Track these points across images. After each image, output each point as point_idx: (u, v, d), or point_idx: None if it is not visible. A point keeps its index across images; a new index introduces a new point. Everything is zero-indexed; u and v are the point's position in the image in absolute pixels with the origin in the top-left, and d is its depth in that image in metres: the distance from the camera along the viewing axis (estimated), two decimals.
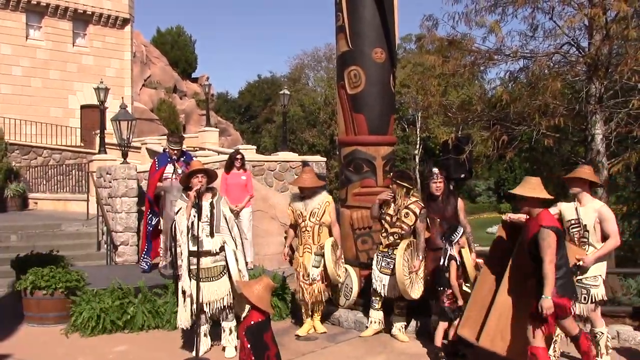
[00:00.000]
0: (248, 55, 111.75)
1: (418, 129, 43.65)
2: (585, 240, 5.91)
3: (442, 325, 6.47)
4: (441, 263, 6.52)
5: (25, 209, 17.44)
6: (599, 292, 5.87)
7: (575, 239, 5.96)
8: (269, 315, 4.98)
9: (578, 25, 8.98)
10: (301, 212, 7.34)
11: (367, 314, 7.48)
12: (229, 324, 6.58)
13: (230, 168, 10.36)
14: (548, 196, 5.36)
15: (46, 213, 16.11)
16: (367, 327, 7.38)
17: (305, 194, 7.39)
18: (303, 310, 7.51)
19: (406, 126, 45.95)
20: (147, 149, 20.36)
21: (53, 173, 19.51)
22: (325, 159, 18.10)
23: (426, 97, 10.41)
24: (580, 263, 5.78)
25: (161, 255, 9.16)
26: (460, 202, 7.30)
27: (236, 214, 9.94)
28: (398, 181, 7.15)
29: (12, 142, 21.87)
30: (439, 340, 6.40)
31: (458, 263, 6.53)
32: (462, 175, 10.68)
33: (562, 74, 9.22)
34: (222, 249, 6.45)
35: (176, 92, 44.71)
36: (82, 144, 26.40)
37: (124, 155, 12.71)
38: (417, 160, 45.54)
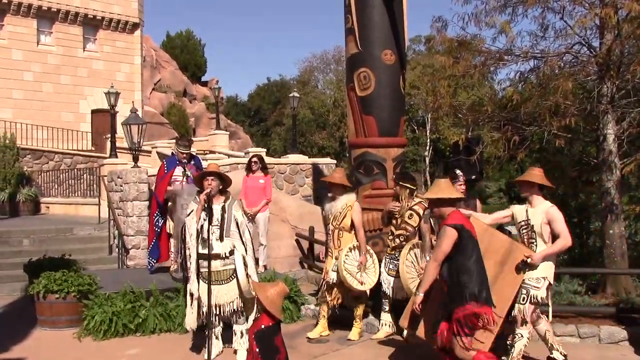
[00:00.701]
0: (257, 58, 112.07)
1: (428, 131, 43.55)
2: (533, 241, 5.99)
3: None
4: None
5: (38, 214, 17.55)
6: (539, 294, 5.88)
7: (525, 239, 6.06)
8: (280, 320, 4.97)
9: (589, 25, 8.91)
10: (328, 214, 7.31)
11: (378, 317, 7.48)
12: (240, 327, 6.57)
13: (250, 171, 10.41)
14: (457, 195, 5.42)
15: (58, 217, 16.21)
16: (378, 329, 7.37)
17: (333, 193, 7.31)
18: (320, 312, 7.48)
19: (416, 128, 45.85)
20: (157, 152, 20.46)
21: (64, 177, 19.63)
22: (335, 162, 18.10)
23: (436, 98, 10.35)
24: (529, 260, 5.82)
25: (172, 258, 9.17)
26: (479, 204, 7.28)
27: (250, 218, 9.94)
28: (401, 182, 7.18)
29: (24, 147, 22.05)
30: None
31: None
32: (473, 177, 10.63)
33: (573, 74, 9.15)
34: (232, 252, 6.45)
35: (186, 96, 44.87)
36: (93, 148, 26.57)
37: (135, 159, 12.76)
38: (427, 161, 45.43)
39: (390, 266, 7.19)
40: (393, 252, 7.20)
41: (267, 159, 17.15)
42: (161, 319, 7.57)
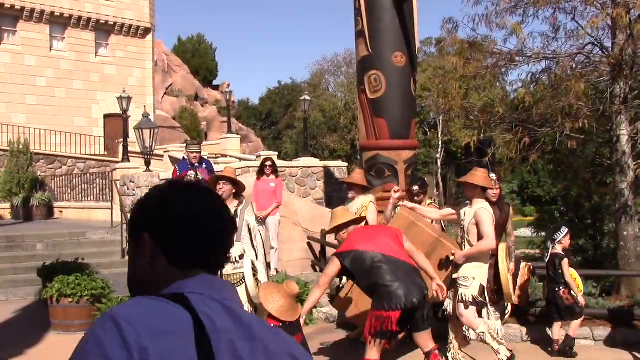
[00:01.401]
0: (268, 61, 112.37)
1: (440, 133, 43.44)
2: (463, 240, 6.09)
3: (557, 324, 6.84)
4: (546, 261, 6.91)
5: (51, 218, 17.66)
6: (467, 293, 5.88)
7: (460, 239, 6.22)
8: (294, 320, 4.91)
9: (601, 25, 8.86)
10: None
11: None
12: None
13: (261, 174, 10.41)
14: (351, 217, 5.45)
15: (71, 221, 16.30)
16: None
17: (351, 194, 7.27)
18: None
19: (428, 130, 45.74)
20: (169, 156, 20.53)
21: (77, 182, 19.77)
22: (346, 164, 18.10)
23: (447, 100, 10.34)
24: (451, 257, 5.95)
25: None
26: (511, 209, 7.20)
27: (261, 221, 9.95)
28: (420, 191, 7.27)
29: (38, 152, 22.21)
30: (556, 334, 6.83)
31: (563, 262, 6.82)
32: None
33: (585, 74, 9.11)
34: (242, 257, 6.45)
35: (197, 100, 45.04)
36: (105, 153, 26.71)
37: (147, 163, 12.82)
38: (439, 164, 45.30)
39: None
40: None
41: (279, 163, 17.18)
42: None
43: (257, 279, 6.37)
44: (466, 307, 5.89)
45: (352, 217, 5.44)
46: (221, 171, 7.04)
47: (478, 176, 6.03)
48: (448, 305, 6.13)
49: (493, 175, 7.12)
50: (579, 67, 9.25)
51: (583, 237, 14.63)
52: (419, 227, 6.28)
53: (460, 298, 5.92)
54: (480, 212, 5.87)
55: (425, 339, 5.06)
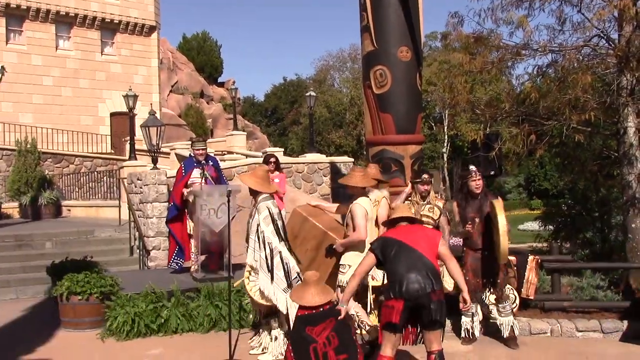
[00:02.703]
0: (273, 58, 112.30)
1: (446, 127, 43.35)
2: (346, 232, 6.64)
3: None
4: None
5: (59, 216, 17.74)
6: (343, 279, 6.26)
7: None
8: (322, 307, 5.08)
9: (607, 17, 8.83)
10: None
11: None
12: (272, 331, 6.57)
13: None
14: (403, 215, 5.46)
15: (79, 220, 16.38)
16: None
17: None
18: None
19: (434, 124, 45.67)
20: (176, 154, 20.57)
21: (85, 180, 19.84)
22: (352, 160, 18.08)
23: (453, 94, 10.32)
24: (334, 247, 6.45)
25: (193, 259, 9.21)
26: (499, 201, 7.20)
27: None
28: (418, 180, 7.25)
29: (45, 151, 22.30)
30: None
31: None
32: (492, 173, 10.58)
33: (592, 67, 9.08)
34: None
35: (203, 97, 45.09)
36: (112, 151, 26.81)
37: (154, 161, 12.85)
38: (445, 158, 45.25)
39: None
40: None
41: (285, 159, 17.22)
42: (183, 319, 7.63)
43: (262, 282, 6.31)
44: (342, 291, 6.08)
45: (409, 214, 5.46)
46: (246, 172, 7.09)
47: (355, 175, 6.54)
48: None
49: (473, 167, 7.14)
50: (585, 60, 9.23)
51: (591, 229, 14.61)
52: (310, 222, 6.75)
53: (337, 283, 6.34)
54: (352, 207, 6.38)
55: (430, 339, 5.07)
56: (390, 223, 5.54)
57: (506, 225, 6.46)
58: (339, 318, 5.11)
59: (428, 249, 5.13)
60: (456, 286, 5.98)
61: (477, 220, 6.90)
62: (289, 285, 6.17)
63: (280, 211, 6.50)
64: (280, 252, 6.24)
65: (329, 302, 5.16)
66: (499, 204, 6.68)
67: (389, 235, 5.33)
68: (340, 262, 6.43)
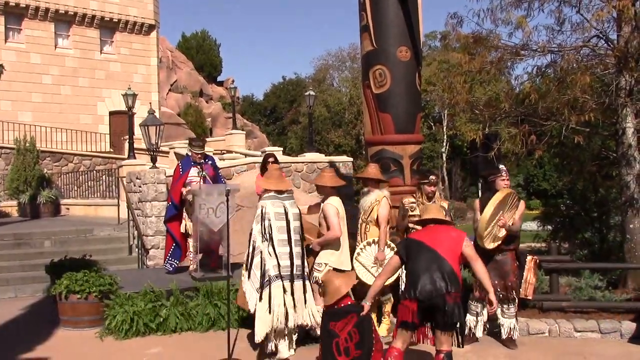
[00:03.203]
0: (272, 57, 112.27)
1: (445, 127, 43.38)
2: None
3: None
4: None
5: (58, 215, 17.74)
6: (318, 276, 6.49)
7: None
8: (343, 304, 5.34)
9: (606, 18, 8.84)
10: (361, 208, 7.36)
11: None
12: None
13: (264, 170, 10.42)
14: (434, 216, 5.51)
15: (78, 218, 16.38)
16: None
17: (368, 188, 7.34)
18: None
19: (433, 124, 45.70)
20: (175, 153, 20.56)
21: (84, 179, 19.84)
22: (351, 159, 18.06)
23: (452, 94, 10.33)
24: (310, 246, 6.66)
25: (191, 258, 9.21)
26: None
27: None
28: (422, 180, 7.28)
29: (44, 149, 22.31)
30: None
31: None
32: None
33: (590, 67, 9.09)
34: None
35: (202, 96, 45.11)
36: (111, 150, 26.80)
37: (153, 160, 12.85)
38: (444, 158, 45.27)
39: None
40: None
41: (284, 158, 17.21)
42: (182, 318, 7.63)
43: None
44: (320, 287, 6.40)
45: (439, 216, 5.50)
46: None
47: (327, 177, 6.76)
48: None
49: (503, 167, 7.17)
50: (584, 60, 9.23)
51: (589, 230, 14.63)
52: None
53: (313, 280, 6.54)
54: (325, 206, 6.59)
55: (441, 339, 5.10)
56: (420, 223, 5.64)
57: (489, 213, 6.60)
58: (362, 314, 5.27)
59: (449, 251, 5.17)
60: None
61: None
62: (261, 286, 6.17)
63: (287, 211, 6.41)
64: (261, 252, 6.25)
65: (350, 299, 5.39)
66: (497, 197, 6.74)
67: (413, 236, 5.48)
68: (316, 261, 6.60)
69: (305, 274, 6.43)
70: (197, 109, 40.84)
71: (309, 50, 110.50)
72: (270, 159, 10.45)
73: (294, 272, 6.30)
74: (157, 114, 15.42)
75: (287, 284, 6.23)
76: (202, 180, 9.09)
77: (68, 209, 18.01)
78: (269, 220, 6.25)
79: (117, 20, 28.76)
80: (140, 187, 12.24)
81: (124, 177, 13.81)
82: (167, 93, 40.05)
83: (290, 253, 6.30)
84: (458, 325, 5.21)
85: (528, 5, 9.39)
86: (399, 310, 5.21)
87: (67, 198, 18.99)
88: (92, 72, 27.94)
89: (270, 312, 6.11)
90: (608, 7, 8.52)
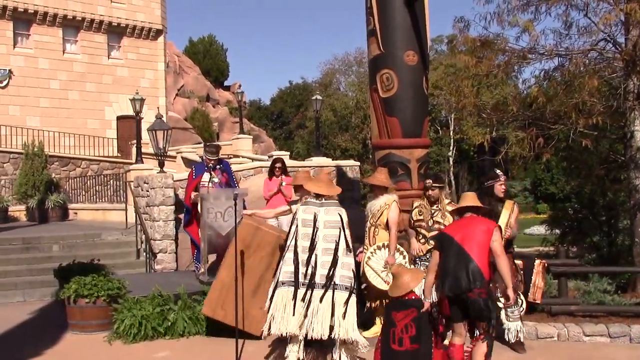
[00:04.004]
0: (279, 61, 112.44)
1: (452, 131, 43.31)
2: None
3: None
4: None
5: (66, 220, 17.78)
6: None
7: None
8: (407, 297, 5.52)
9: (614, 22, 8.82)
10: (369, 212, 7.31)
11: None
12: None
13: (272, 175, 10.46)
14: (470, 204, 5.71)
15: (86, 223, 16.42)
16: None
17: (375, 193, 7.30)
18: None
19: (439, 128, 45.62)
20: (182, 157, 20.62)
21: (92, 184, 19.91)
22: (358, 163, 18.06)
23: (459, 98, 10.32)
24: None
25: (201, 262, 9.24)
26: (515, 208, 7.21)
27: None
28: (435, 184, 7.23)
29: (52, 154, 22.39)
30: None
31: None
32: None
33: (598, 71, 9.07)
34: None
35: (209, 101, 45.20)
36: (119, 155, 26.87)
37: (161, 165, 12.87)
38: (451, 162, 45.18)
39: (422, 268, 7.06)
40: (424, 255, 7.16)
41: (291, 162, 17.21)
42: (190, 322, 7.64)
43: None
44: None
45: (475, 203, 5.72)
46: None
47: (299, 177, 6.67)
48: None
49: (499, 171, 7.18)
50: (592, 64, 9.21)
51: (597, 233, 14.57)
52: (262, 230, 7.16)
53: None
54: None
55: (478, 327, 5.41)
56: (457, 212, 5.84)
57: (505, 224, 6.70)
58: (422, 311, 5.48)
59: (477, 246, 5.38)
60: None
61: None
62: (273, 288, 6.10)
63: (317, 218, 6.12)
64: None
65: (415, 294, 5.58)
66: (508, 206, 6.89)
67: (447, 230, 5.75)
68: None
69: (335, 284, 5.92)
70: (204, 114, 40.93)
71: (316, 54, 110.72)
72: (278, 164, 10.48)
73: (316, 280, 5.93)
74: (164, 119, 15.42)
75: (292, 290, 5.98)
76: (212, 185, 9.14)
77: (76, 213, 18.06)
78: (296, 226, 6.13)
79: (124, 26, 28.87)
80: (147, 191, 12.28)
81: (132, 181, 13.85)
82: (174, 98, 40.15)
83: (302, 259, 6.00)
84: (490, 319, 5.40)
85: (535, 9, 9.38)
86: (441, 307, 5.49)
87: (75, 202, 19.05)
88: (99, 77, 28.04)
89: (271, 314, 6.02)
90: (616, 11, 8.51)
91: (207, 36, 51.74)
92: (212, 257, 9.30)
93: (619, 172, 12.28)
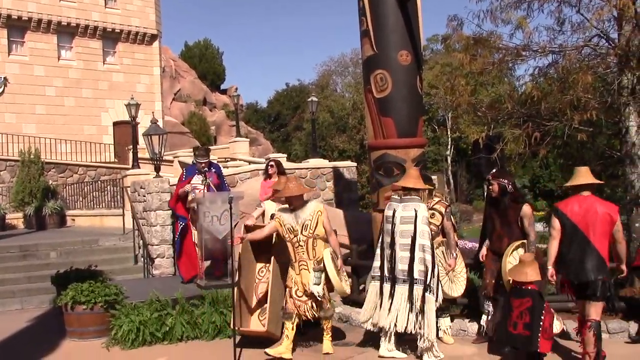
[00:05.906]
0: (275, 64, 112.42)
1: (449, 130, 43.35)
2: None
3: None
4: None
5: (64, 226, 17.76)
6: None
7: None
8: (527, 287, 5.90)
9: (607, 17, 8.81)
10: (292, 227, 6.60)
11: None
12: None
13: (267, 175, 10.43)
14: (588, 182, 6.16)
15: (84, 229, 16.40)
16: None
17: (294, 205, 6.66)
18: (285, 328, 6.73)
19: (436, 127, 45.66)
20: (179, 162, 20.60)
21: (89, 190, 19.88)
22: (355, 164, 18.05)
23: (455, 96, 10.30)
24: None
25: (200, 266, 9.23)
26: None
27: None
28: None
29: (49, 161, 22.37)
30: None
31: None
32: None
33: (592, 67, 9.05)
34: None
35: (206, 105, 45.21)
36: (115, 160, 26.88)
37: (157, 169, 12.86)
38: (449, 161, 45.21)
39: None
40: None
41: (288, 164, 17.19)
42: (188, 327, 7.62)
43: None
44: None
45: (592, 180, 6.13)
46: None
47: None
48: None
49: (488, 175, 7.17)
50: (585, 60, 9.20)
51: None
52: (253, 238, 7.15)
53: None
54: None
55: (589, 310, 5.91)
56: (573, 189, 6.18)
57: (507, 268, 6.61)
58: (536, 302, 5.86)
59: (601, 235, 5.87)
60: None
61: (497, 222, 6.90)
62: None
63: (395, 214, 6.53)
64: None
65: (534, 285, 5.94)
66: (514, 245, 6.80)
67: (569, 213, 6.01)
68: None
69: (416, 279, 6.33)
70: (201, 118, 40.93)
71: (312, 56, 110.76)
72: (271, 164, 10.44)
73: (397, 276, 6.44)
74: (160, 123, 15.45)
75: (378, 284, 6.62)
76: (206, 189, 9.13)
77: (74, 219, 18.04)
78: (383, 223, 6.68)
79: (119, 31, 28.89)
80: (144, 196, 12.25)
81: (129, 186, 13.82)
82: (171, 102, 40.14)
83: (387, 255, 6.56)
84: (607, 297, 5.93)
85: (528, 6, 9.37)
86: (563, 288, 6.08)
87: (73, 209, 19.02)
88: (95, 83, 28.05)
89: (364, 307, 6.75)
90: (608, 6, 8.49)
91: (202, 40, 51.82)
92: (207, 262, 9.29)
93: (615, 168, 12.27)
